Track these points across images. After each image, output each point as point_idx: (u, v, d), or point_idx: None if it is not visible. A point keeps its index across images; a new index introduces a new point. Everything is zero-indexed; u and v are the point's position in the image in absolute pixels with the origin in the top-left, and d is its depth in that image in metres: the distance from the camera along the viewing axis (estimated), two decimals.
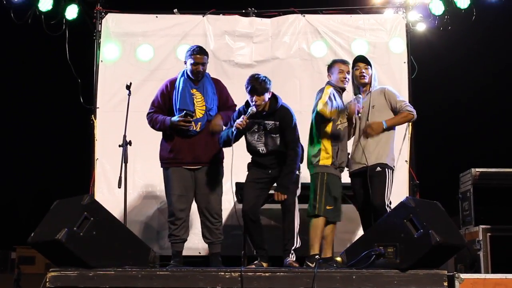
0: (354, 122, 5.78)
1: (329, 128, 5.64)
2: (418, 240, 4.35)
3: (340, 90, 5.76)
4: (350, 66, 5.84)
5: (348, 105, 5.69)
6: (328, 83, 5.79)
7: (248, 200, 5.56)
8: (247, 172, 5.76)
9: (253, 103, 5.46)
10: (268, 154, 5.60)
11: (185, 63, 5.95)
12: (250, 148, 5.67)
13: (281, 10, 8.12)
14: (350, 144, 5.89)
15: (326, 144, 5.63)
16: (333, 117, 5.55)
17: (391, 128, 5.66)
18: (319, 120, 5.62)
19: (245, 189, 5.65)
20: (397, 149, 6.65)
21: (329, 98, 5.52)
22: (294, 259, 5.41)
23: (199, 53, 5.88)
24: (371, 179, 5.49)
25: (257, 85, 5.44)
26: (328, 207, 5.52)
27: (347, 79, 5.77)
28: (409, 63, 7.80)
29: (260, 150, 5.60)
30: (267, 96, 5.50)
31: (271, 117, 5.57)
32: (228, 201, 6.36)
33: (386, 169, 5.54)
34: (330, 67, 5.85)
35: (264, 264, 5.48)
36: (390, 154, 5.63)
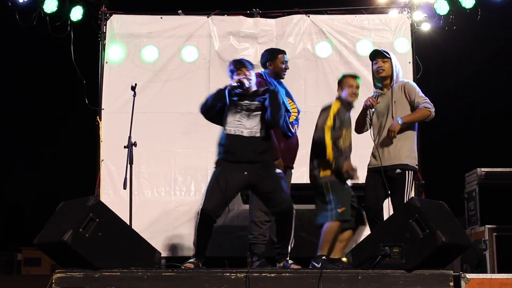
0: (369, 115, 5.75)
1: (330, 146, 5.61)
2: (423, 240, 4.34)
3: (348, 106, 5.74)
4: (360, 81, 5.82)
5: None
6: (337, 98, 5.77)
7: (212, 199, 5.12)
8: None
9: (243, 76, 5.32)
10: (247, 138, 5.24)
11: (270, 64, 6.07)
12: (226, 133, 5.29)
13: (286, 10, 8.12)
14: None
15: (327, 159, 5.59)
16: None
17: (410, 126, 5.55)
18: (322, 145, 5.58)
19: (210, 185, 5.21)
20: None
21: (334, 123, 5.55)
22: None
23: (285, 53, 6.10)
24: (390, 180, 5.46)
25: (243, 60, 5.48)
26: (339, 210, 5.49)
27: (356, 94, 5.73)
28: (414, 63, 7.79)
29: (239, 131, 5.25)
30: (253, 74, 5.42)
31: (257, 97, 5.36)
32: (232, 202, 6.35)
33: (406, 171, 5.46)
34: (340, 81, 5.82)
35: (201, 264, 5.18)
36: (411, 153, 5.54)
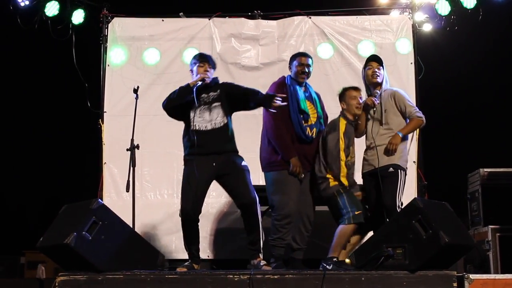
0: (370, 116, 5.73)
1: (344, 167, 5.60)
2: (427, 241, 4.35)
3: (353, 120, 5.73)
4: (362, 92, 5.83)
5: (363, 102, 5.69)
6: (342, 115, 5.75)
7: (187, 199, 5.32)
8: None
9: (203, 72, 5.57)
10: (211, 131, 5.43)
11: (290, 68, 6.03)
12: (191, 129, 5.46)
13: (287, 12, 8.11)
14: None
15: (333, 173, 5.61)
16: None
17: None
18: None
19: (183, 186, 5.40)
20: None
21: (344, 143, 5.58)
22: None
23: (303, 55, 6.01)
24: (383, 179, 5.48)
25: (210, 57, 5.72)
26: (356, 213, 5.48)
27: (361, 106, 5.71)
28: (416, 64, 7.77)
29: (203, 127, 5.44)
30: (212, 73, 5.66)
31: (213, 89, 5.58)
32: (234, 205, 6.33)
33: (399, 170, 5.51)
34: (341, 95, 5.80)
35: (196, 266, 5.37)
36: (403, 155, 5.60)
